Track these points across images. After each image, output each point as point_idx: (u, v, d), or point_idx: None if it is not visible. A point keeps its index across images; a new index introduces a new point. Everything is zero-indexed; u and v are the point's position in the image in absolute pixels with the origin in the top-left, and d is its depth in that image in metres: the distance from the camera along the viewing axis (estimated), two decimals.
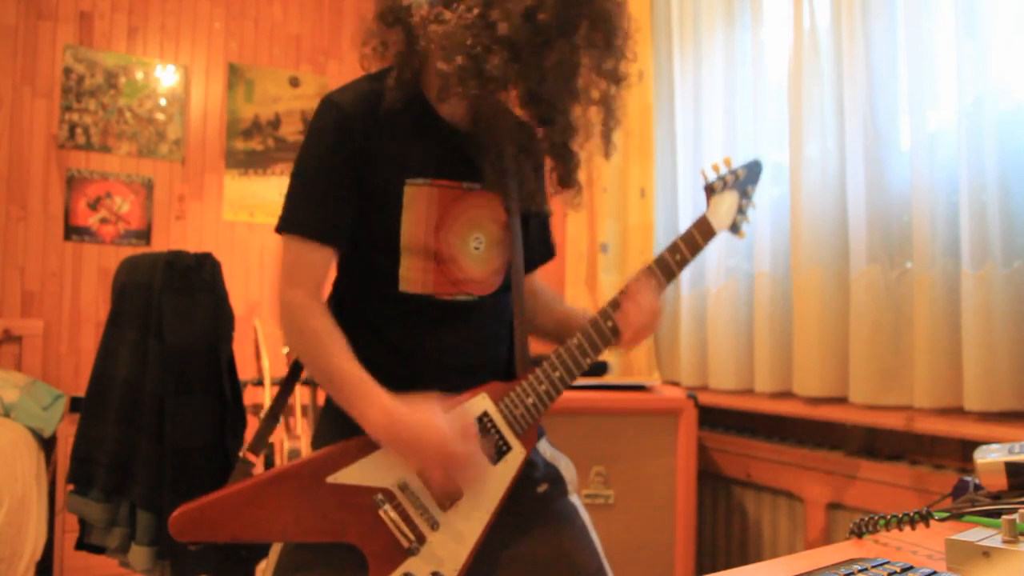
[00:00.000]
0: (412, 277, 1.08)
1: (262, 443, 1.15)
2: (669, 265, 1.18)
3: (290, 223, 1.07)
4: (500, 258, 1.16)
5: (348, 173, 1.06)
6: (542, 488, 1.15)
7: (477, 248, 1.13)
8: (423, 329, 1.10)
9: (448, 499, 1.03)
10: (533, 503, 1.13)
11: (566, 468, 1.21)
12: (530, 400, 1.09)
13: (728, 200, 1.25)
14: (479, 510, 1.05)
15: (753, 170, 1.30)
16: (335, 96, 1.08)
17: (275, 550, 1.09)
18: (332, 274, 1.14)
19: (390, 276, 1.08)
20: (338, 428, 1.06)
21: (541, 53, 1.01)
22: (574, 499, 1.19)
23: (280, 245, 1.09)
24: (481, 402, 1.08)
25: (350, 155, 1.06)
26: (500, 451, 1.08)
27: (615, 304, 1.14)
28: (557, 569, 1.08)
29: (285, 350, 3.08)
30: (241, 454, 1.13)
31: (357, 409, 1.01)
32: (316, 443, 1.14)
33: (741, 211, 1.26)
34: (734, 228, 1.26)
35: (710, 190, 1.25)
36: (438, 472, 0.99)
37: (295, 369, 1.20)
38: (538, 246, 1.29)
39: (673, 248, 1.18)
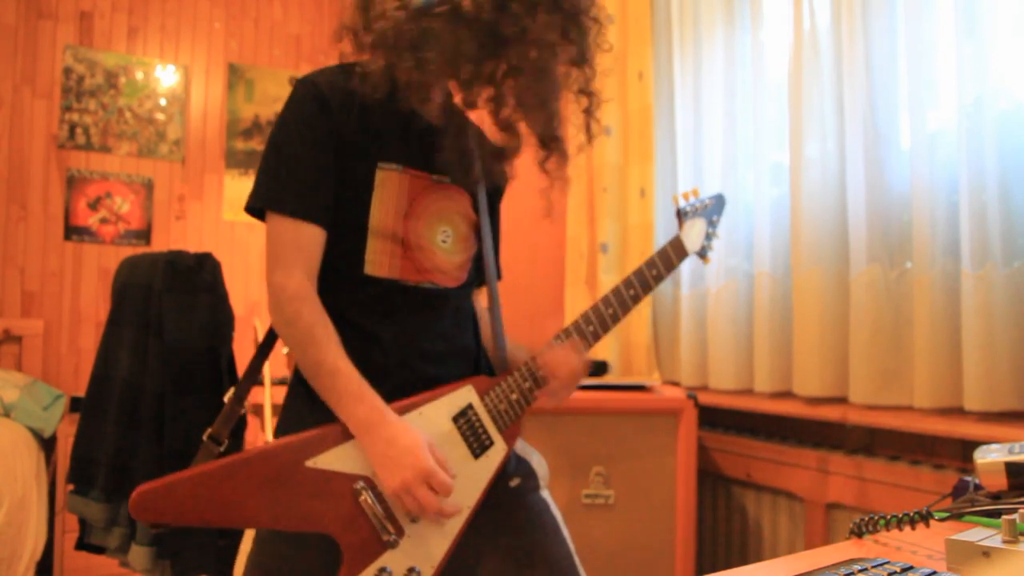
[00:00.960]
0: (378, 260, 1.07)
1: (225, 429, 1.13)
2: (646, 278, 1.23)
3: (275, 200, 1.04)
4: (466, 254, 1.16)
5: (327, 149, 1.05)
6: (514, 482, 1.15)
7: (444, 241, 1.13)
8: (387, 314, 1.09)
9: (408, 515, 1.01)
10: (505, 497, 1.12)
11: (538, 464, 1.21)
12: (514, 396, 1.10)
13: (698, 227, 1.34)
14: (461, 505, 1.04)
15: (719, 202, 1.40)
16: (314, 77, 1.08)
17: (244, 551, 1.08)
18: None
19: (356, 258, 1.07)
20: (305, 416, 1.04)
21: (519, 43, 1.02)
22: (545, 494, 1.18)
23: (266, 226, 1.06)
24: (466, 394, 1.08)
25: (328, 131, 1.05)
26: (483, 445, 1.07)
27: (595, 308, 1.18)
28: (529, 563, 1.08)
29: (285, 350, 3.09)
30: (205, 437, 1.11)
31: (343, 404, 0.99)
32: (280, 431, 1.11)
33: (707, 238, 1.36)
34: (702, 252, 1.35)
35: (683, 214, 1.34)
36: (403, 485, 0.97)
37: (260, 356, 1.17)
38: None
39: (650, 263, 1.24)
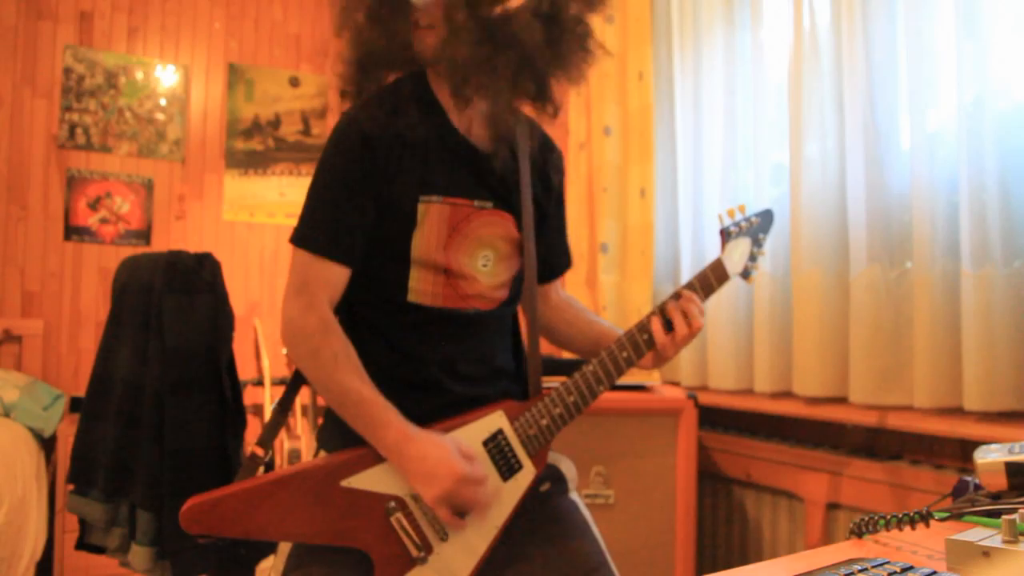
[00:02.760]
0: (421, 289, 1.09)
1: (272, 437, 1.16)
2: None
3: (309, 239, 1.07)
4: (507, 273, 1.17)
5: (367, 191, 1.07)
6: (544, 487, 1.16)
7: (485, 266, 1.13)
8: (430, 339, 1.11)
9: (452, 526, 1.03)
10: (536, 502, 1.14)
11: (567, 468, 1.23)
12: (544, 422, 1.10)
13: (741, 246, 1.26)
14: (488, 524, 1.07)
15: (766, 219, 1.30)
16: (355, 111, 1.09)
17: (283, 551, 1.09)
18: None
19: (399, 286, 1.09)
20: (346, 428, 1.06)
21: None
22: (574, 496, 1.20)
23: (291, 256, 1.09)
24: (497, 419, 1.10)
25: (369, 173, 1.07)
26: (512, 469, 1.09)
27: (630, 335, 1.14)
28: (561, 565, 1.09)
29: (285, 350, 3.08)
30: (250, 450, 1.14)
31: (372, 431, 1.02)
32: (322, 441, 1.15)
33: (752, 258, 1.27)
34: (745, 274, 1.27)
35: (726, 235, 1.25)
36: (444, 493, 0.99)
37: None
38: (555, 256, 1.30)
39: (688, 288, 1.17)
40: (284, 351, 3.34)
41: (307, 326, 1.05)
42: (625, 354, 1.13)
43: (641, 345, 1.14)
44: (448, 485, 0.98)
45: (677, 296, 1.15)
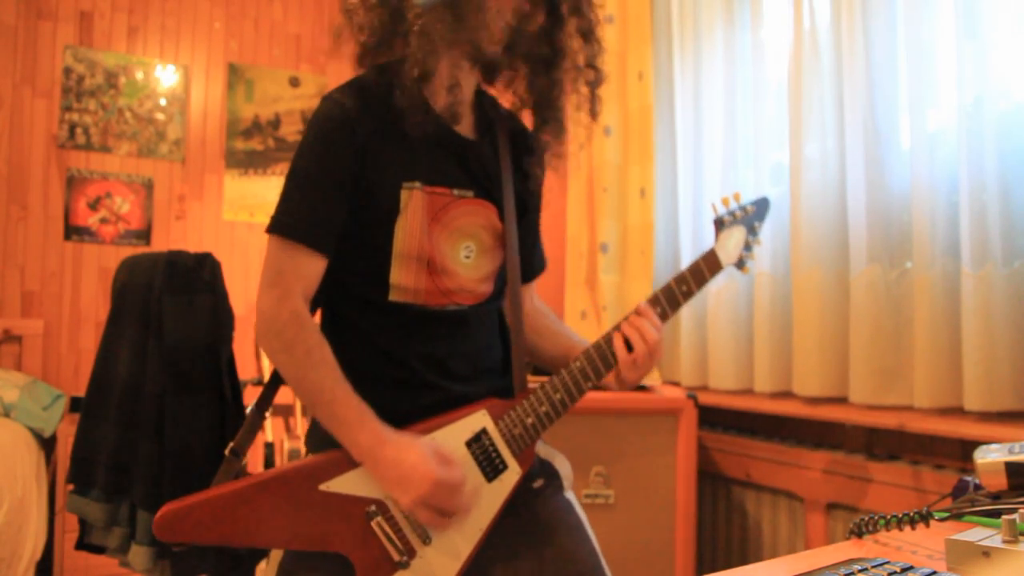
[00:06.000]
0: (403, 286, 1.07)
1: (250, 440, 1.13)
2: (675, 296, 1.16)
3: (284, 225, 1.03)
4: (491, 266, 1.14)
5: (346, 177, 1.04)
6: (538, 484, 1.15)
7: (467, 257, 1.11)
8: (413, 338, 1.08)
9: (433, 529, 1.01)
10: (529, 499, 1.12)
11: (561, 464, 1.20)
12: (530, 420, 1.08)
13: (736, 236, 1.22)
14: (472, 526, 1.05)
15: (761, 207, 1.27)
16: (337, 95, 1.06)
17: (275, 558, 1.08)
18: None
19: (380, 284, 1.07)
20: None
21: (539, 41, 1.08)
22: (569, 495, 1.18)
23: (267, 247, 1.05)
24: (480, 419, 1.07)
25: (349, 158, 1.03)
26: (496, 469, 1.07)
27: (617, 329, 1.12)
28: (553, 565, 1.08)
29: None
30: (227, 451, 1.12)
31: (344, 433, 0.99)
32: (309, 444, 1.13)
33: (747, 248, 1.24)
34: (739, 264, 1.24)
35: (719, 224, 1.23)
36: (419, 499, 0.97)
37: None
38: (530, 258, 1.27)
39: (680, 279, 1.16)
40: None
41: (279, 319, 1.01)
42: (612, 349, 1.12)
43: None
44: (423, 491, 0.95)
45: (639, 311, 1.12)
